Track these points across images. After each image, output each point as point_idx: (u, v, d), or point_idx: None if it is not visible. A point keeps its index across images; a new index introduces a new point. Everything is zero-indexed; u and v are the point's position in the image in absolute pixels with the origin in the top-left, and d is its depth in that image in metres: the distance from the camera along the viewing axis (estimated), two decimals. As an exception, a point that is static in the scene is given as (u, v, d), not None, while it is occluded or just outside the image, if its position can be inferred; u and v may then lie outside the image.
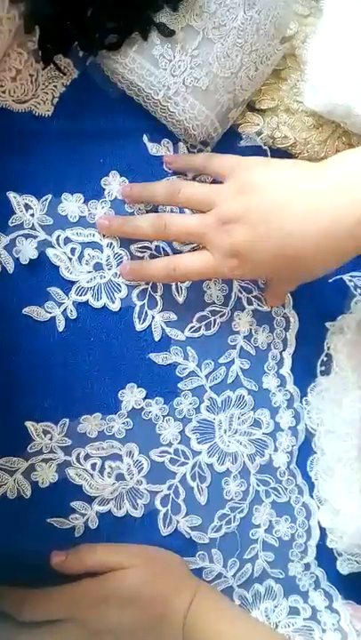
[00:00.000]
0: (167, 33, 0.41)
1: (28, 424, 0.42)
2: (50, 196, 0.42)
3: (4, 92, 0.40)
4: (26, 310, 0.42)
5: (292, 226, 0.40)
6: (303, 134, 0.47)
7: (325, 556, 0.49)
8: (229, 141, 0.47)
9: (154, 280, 0.45)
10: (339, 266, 0.42)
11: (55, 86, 0.42)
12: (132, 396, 0.44)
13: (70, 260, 0.43)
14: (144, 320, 0.45)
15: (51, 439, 0.42)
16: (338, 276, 0.51)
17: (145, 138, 0.45)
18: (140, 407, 0.45)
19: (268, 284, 0.48)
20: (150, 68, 0.41)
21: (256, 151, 0.47)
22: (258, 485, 0.48)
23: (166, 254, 0.45)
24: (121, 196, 0.44)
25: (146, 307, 0.45)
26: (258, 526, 0.48)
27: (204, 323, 0.46)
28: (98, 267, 0.44)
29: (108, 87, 0.43)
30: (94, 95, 0.43)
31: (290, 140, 0.47)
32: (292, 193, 0.40)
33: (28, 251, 0.41)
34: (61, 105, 0.42)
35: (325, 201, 0.39)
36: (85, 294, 0.43)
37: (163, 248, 0.45)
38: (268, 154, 0.47)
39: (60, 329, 0.42)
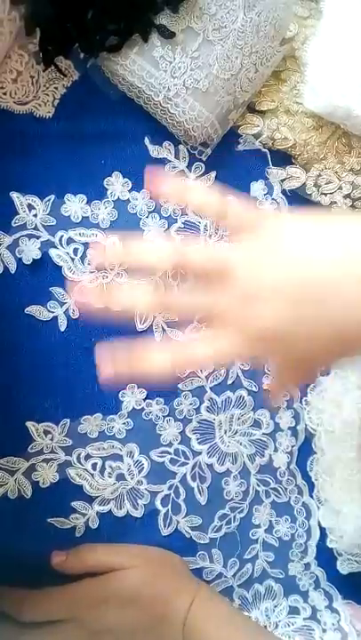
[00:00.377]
0: (168, 35, 0.41)
1: (29, 424, 0.42)
2: (53, 197, 0.42)
3: (4, 94, 0.41)
4: (28, 310, 0.42)
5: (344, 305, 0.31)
6: (303, 136, 0.47)
7: (325, 556, 0.49)
8: (229, 143, 0.47)
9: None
10: None
11: (56, 88, 0.42)
12: (132, 396, 0.44)
13: (73, 260, 0.43)
14: (145, 320, 0.45)
15: (51, 439, 0.43)
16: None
17: (146, 140, 0.45)
18: (140, 407, 0.45)
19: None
20: (151, 70, 0.42)
21: (255, 154, 0.47)
22: (258, 485, 0.48)
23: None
24: (124, 197, 0.44)
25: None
26: (258, 526, 0.48)
27: (204, 323, 0.46)
28: (100, 266, 0.44)
29: (108, 89, 0.43)
30: (95, 97, 0.43)
31: (290, 142, 0.47)
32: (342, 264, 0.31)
33: (30, 251, 0.42)
34: (62, 106, 0.42)
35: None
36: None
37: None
38: (268, 156, 0.47)
39: (62, 329, 0.43)
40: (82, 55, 0.42)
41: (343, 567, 0.49)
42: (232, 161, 0.47)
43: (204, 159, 0.46)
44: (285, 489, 0.49)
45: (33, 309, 0.42)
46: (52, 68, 0.41)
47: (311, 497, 0.50)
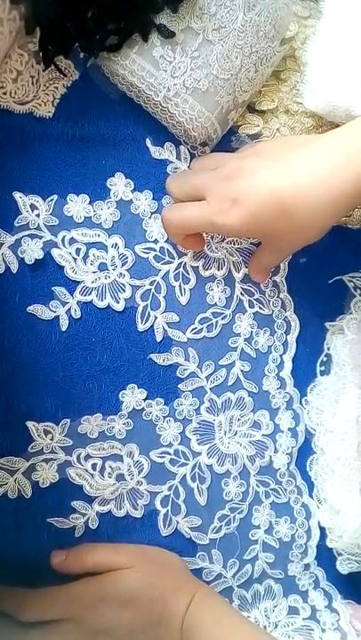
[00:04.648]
0: (167, 34, 0.41)
1: (29, 424, 0.42)
2: (55, 197, 0.42)
3: (5, 94, 0.40)
4: (30, 309, 0.42)
5: (291, 173, 0.39)
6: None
7: (325, 556, 0.50)
8: (229, 143, 0.47)
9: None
10: (328, 227, 0.41)
11: (56, 87, 0.42)
12: (132, 396, 0.44)
13: (75, 260, 0.43)
14: (146, 320, 0.45)
15: (52, 439, 0.43)
16: (338, 277, 0.51)
17: (148, 141, 0.45)
18: (140, 408, 0.45)
19: (256, 253, 0.47)
20: (151, 70, 0.41)
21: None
22: (258, 486, 0.48)
23: (170, 256, 0.45)
24: (126, 197, 0.44)
25: (149, 307, 0.45)
26: (258, 527, 0.48)
27: (205, 324, 0.47)
28: (103, 267, 0.44)
29: (108, 89, 0.43)
30: (95, 97, 0.43)
31: (290, 142, 0.47)
32: (292, 149, 0.41)
33: (33, 251, 0.42)
34: (62, 106, 0.42)
35: (323, 154, 0.39)
36: (90, 294, 0.43)
37: (167, 250, 0.45)
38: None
39: (64, 328, 0.43)
40: (82, 55, 0.42)
41: (343, 567, 0.49)
42: (232, 161, 0.47)
43: (205, 159, 0.46)
44: (285, 490, 0.49)
45: (35, 309, 0.42)
46: (52, 67, 0.41)
47: (311, 497, 0.50)
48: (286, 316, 0.49)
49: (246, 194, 0.40)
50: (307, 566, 0.49)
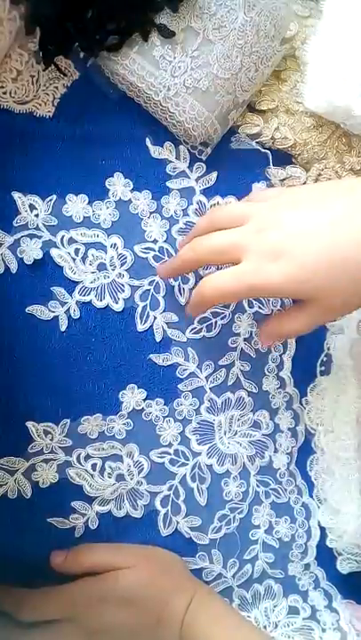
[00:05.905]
0: (168, 34, 0.41)
1: (29, 424, 0.42)
2: (54, 197, 0.42)
3: (4, 94, 0.40)
4: (29, 309, 0.42)
5: (347, 225, 0.35)
6: (303, 135, 0.47)
7: (325, 556, 0.50)
8: (229, 142, 0.47)
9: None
10: None
11: (56, 87, 0.42)
12: (132, 396, 0.44)
13: (74, 260, 0.43)
14: (146, 320, 0.45)
15: (51, 439, 0.43)
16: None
17: (148, 141, 0.44)
18: (140, 408, 0.45)
19: (288, 313, 0.40)
20: (151, 69, 0.41)
21: (255, 154, 0.47)
22: (258, 486, 0.48)
23: (170, 255, 0.45)
24: (125, 197, 0.44)
25: (148, 307, 0.45)
26: (258, 527, 0.48)
27: (205, 324, 0.46)
28: (102, 267, 0.44)
29: (108, 88, 0.43)
30: (95, 96, 0.43)
31: (290, 141, 0.47)
32: (336, 197, 0.37)
33: (32, 251, 0.42)
34: (62, 106, 0.42)
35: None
36: (89, 294, 0.43)
37: (166, 250, 0.45)
38: (270, 156, 0.47)
39: (63, 328, 0.43)
40: (82, 54, 0.42)
41: (343, 567, 0.49)
42: (233, 161, 0.47)
43: (205, 159, 0.46)
44: (285, 489, 0.49)
45: (34, 309, 0.42)
46: (52, 67, 0.41)
47: (311, 497, 0.50)
48: (286, 316, 0.49)
49: (294, 245, 0.36)
50: (307, 566, 0.49)
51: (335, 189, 0.38)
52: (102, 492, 0.44)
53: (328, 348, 0.51)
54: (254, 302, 0.48)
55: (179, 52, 0.41)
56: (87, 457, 0.44)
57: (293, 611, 0.48)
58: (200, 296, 0.40)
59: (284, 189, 0.44)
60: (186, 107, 0.42)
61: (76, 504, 0.43)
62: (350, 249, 0.35)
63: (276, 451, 0.49)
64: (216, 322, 0.47)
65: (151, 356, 0.45)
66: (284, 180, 0.48)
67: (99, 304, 0.43)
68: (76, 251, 0.43)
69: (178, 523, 0.46)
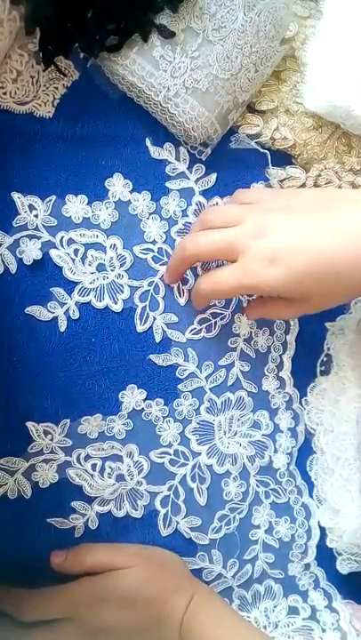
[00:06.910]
0: (167, 34, 0.41)
1: (29, 424, 0.42)
2: (54, 197, 0.42)
3: (4, 94, 0.40)
4: (28, 310, 0.42)
5: (339, 232, 0.38)
6: (303, 135, 0.47)
7: (325, 556, 0.50)
8: (229, 143, 0.47)
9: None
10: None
11: (56, 88, 0.42)
12: (132, 397, 0.44)
13: (73, 260, 0.43)
14: (145, 321, 0.45)
15: (51, 440, 0.43)
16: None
17: (147, 141, 0.44)
18: (140, 408, 0.45)
19: (275, 304, 0.43)
20: (151, 70, 0.41)
21: (255, 154, 0.47)
22: (258, 486, 0.48)
23: (169, 256, 0.45)
24: (125, 198, 0.44)
25: (148, 308, 0.45)
26: (258, 527, 0.48)
27: (204, 325, 0.46)
28: (101, 268, 0.44)
29: (108, 89, 0.43)
30: (95, 97, 0.43)
31: (290, 142, 0.47)
32: (332, 204, 0.40)
33: (31, 251, 0.42)
34: (62, 106, 0.42)
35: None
36: (88, 295, 0.43)
37: (166, 251, 0.45)
38: (269, 156, 0.47)
39: (62, 329, 0.43)
40: (82, 55, 0.42)
41: (343, 567, 0.49)
42: (232, 162, 0.47)
43: (204, 159, 0.46)
44: (285, 490, 0.49)
45: (33, 310, 0.42)
46: (52, 67, 0.41)
47: (311, 497, 0.50)
48: (286, 317, 0.49)
49: (288, 252, 0.38)
50: (307, 566, 0.49)
51: (328, 197, 0.41)
52: (102, 492, 0.44)
53: (328, 348, 0.51)
54: (254, 303, 0.48)
55: (179, 53, 0.41)
56: (87, 457, 0.44)
57: (293, 611, 0.48)
58: (196, 290, 0.43)
59: (277, 192, 0.45)
60: (186, 107, 0.42)
61: (75, 504, 0.43)
62: (341, 255, 0.38)
63: (276, 451, 0.49)
64: (216, 322, 0.47)
65: (151, 356, 0.45)
66: (283, 180, 0.48)
67: (98, 305, 0.43)
68: (76, 251, 0.43)
69: (178, 523, 0.46)
